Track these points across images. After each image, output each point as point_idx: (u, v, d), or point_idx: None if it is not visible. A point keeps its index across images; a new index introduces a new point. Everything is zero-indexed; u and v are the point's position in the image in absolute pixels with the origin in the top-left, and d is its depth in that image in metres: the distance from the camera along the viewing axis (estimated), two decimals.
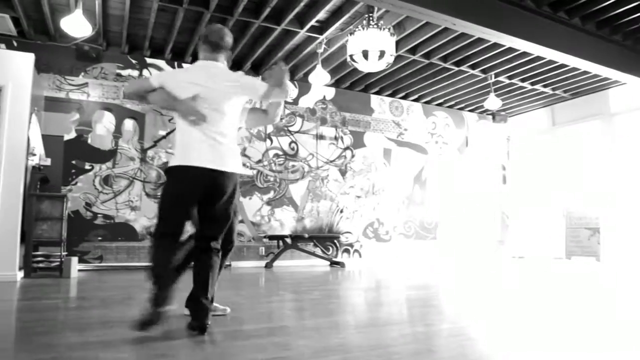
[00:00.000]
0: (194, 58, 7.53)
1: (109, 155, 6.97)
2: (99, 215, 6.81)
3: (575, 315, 3.19)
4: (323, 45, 6.88)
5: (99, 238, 6.77)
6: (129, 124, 7.14)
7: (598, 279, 5.73)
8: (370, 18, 5.32)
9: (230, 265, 7.45)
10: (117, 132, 7.05)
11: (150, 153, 7.23)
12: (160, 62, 7.43)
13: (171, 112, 2.76)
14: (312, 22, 6.22)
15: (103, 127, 6.97)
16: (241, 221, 7.73)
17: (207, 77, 2.66)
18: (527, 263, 8.45)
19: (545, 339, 2.45)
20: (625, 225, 8.37)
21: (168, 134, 7.34)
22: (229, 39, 2.87)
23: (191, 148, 2.60)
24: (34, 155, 5.67)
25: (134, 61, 7.26)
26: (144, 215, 7.07)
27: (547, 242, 9.57)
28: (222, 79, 2.71)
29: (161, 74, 3.03)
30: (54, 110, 6.67)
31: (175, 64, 7.52)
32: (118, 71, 7.14)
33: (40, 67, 6.40)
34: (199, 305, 2.56)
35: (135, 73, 7.24)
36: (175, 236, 2.68)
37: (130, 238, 6.97)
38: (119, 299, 3.87)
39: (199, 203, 2.68)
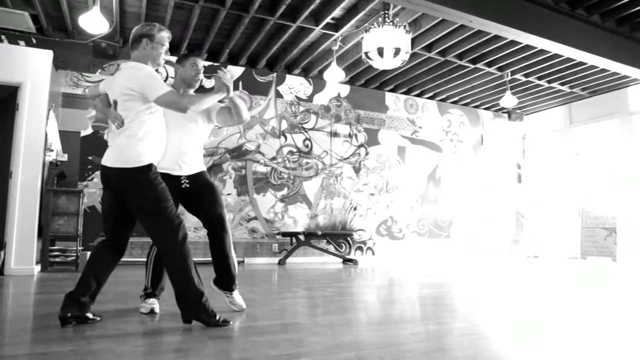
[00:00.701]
0: (210, 54, 7.58)
1: None
2: None
3: (588, 314, 3.15)
4: (338, 43, 6.87)
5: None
6: None
7: (613, 279, 5.65)
8: (386, 15, 5.30)
9: (243, 261, 7.49)
10: None
11: None
12: (175, 59, 7.47)
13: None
14: (328, 20, 6.22)
15: None
16: (254, 218, 7.76)
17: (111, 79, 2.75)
18: (542, 263, 8.36)
19: (558, 338, 2.43)
20: None
21: None
22: (134, 31, 2.81)
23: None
24: (52, 150, 5.76)
25: None
26: None
27: (563, 241, 9.45)
28: (121, 76, 2.69)
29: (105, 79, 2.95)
30: (71, 107, 6.76)
31: None
32: None
33: (58, 64, 6.49)
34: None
35: None
36: None
37: (144, 234, 7.01)
38: (134, 294, 3.91)
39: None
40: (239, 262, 7.38)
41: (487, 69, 7.86)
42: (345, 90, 8.72)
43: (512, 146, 10.45)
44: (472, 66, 7.74)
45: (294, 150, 8.19)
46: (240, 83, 7.88)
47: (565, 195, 9.59)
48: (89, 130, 6.85)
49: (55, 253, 5.79)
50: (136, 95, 2.56)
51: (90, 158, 6.81)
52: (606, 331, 2.66)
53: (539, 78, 8.35)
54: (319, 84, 8.48)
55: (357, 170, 8.66)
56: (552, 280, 5.57)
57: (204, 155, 7.48)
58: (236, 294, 3.19)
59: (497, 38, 6.58)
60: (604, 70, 7.47)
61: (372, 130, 8.91)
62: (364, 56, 5.44)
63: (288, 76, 8.27)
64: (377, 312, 3.09)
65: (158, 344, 2.19)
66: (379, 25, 5.19)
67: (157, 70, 2.77)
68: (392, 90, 9.18)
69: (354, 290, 3.29)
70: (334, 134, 8.55)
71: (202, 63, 3.16)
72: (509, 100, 8.35)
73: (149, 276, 3.13)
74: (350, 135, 8.68)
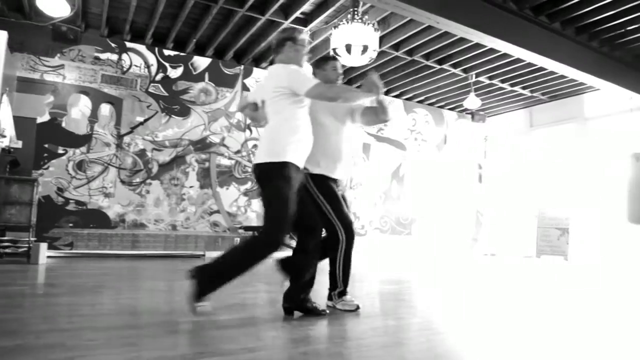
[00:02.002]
0: (176, 44, 7.43)
1: (84, 140, 6.83)
2: (71, 201, 6.68)
3: (539, 311, 3.26)
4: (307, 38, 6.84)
5: (70, 224, 6.64)
6: (105, 109, 7.00)
7: (564, 276, 5.86)
8: (355, 12, 5.31)
9: (204, 255, 7.40)
10: (93, 117, 6.91)
11: (126, 139, 7.11)
12: (141, 47, 7.30)
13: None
14: (297, 14, 6.19)
15: (78, 111, 6.82)
16: (217, 211, 7.68)
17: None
18: (498, 261, 8.60)
19: (511, 334, 2.50)
20: (592, 226, 8.60)
21: (146, 120, 7.23)
22: (278, 36, 2.94)
23: None
24: (4, 137, 5.51)
25: (113, 45, 7.12)
26: (117, 203, 6.96)
27: (519, 240, 9.76)
28: (270, 76, 2.81)
29: None
30: (27, 92, 6.50)
31: (156, 49, 7.39)
32: (96, 54, 6.99)
33: (14, 46, 6.22)
34: None
35: (114, 57, 7.09)
36: None
37: (103, 225, 6.86)
38: (89, 287, 3.81)
39: None
40: (198, 256, 7.31)
41: (453, 70, 8.01)
42: None
43: (474, 147, 10.69)
44: (438, 67, 7.87)
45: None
46: (207, 74, 7.76)
47: (523, 196, 9.89)
48: (46, 117, 6.61)
49: (6, 244, 5.57)
50: (284, 90, 2.64)
51: (46, 146, 6.57)
52: (554, 325, 2.76)
53: (502, 81, 8.57)
54: None
55: None
56: (506, 278, 5.74)
57: (168, 147, 7.38)
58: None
59: (463, 40, 6.70)
60: (563, 76, 7.73)
61: None
62: (332, 52, 5.43)
63: (255, 69, 8.19)
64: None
65: (114, 338, 2.14)
66: (347, 22, 5.20)
67: None
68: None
69: (315, 285, 3.30)
70: None
71: (341, 66, 3.20)
72: (472, 101, 8.53)
73: (339, 275, 2.98)
74: None
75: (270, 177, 2.63)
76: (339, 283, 2.99)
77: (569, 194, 9.02)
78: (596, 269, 7.20)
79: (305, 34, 2.96)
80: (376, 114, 3.10)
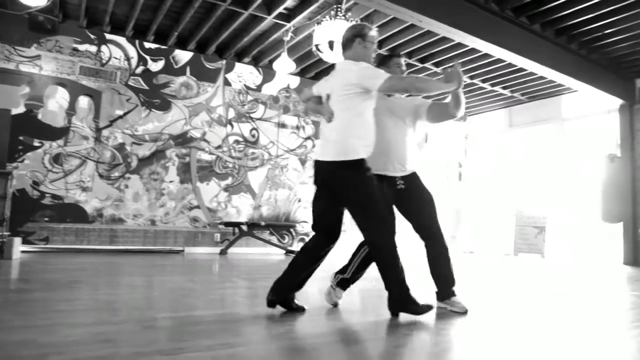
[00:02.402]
0: (157, 36, 7.33)
1: (61, 133, 6.70)
2: (47, 194, 6.55)
3: (515, 307, 3.32)
4: (290, 33, 6.82)
5: (46, 219, 6.51)
6: (83, 102, 6.88)
7: (541, 274, 5.97)
8: (339, 9, 5.30)
9: (183, 250, 7.33)
10: (71, 109, 6.78)
11: (105, 133, 6.99)
12: (121, 40, 7.18)
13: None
14: (280, 9, 6.16)
15: (55, 103, 6.69)
16: (197, 207, 7.62)
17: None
18: (477, 258, 8.71)
19: (488, 329, 2.54)
20: (569, 224, 8.77)
21: (125, 113, 7.13)
22: (345, 34, 2.91)
23: None
24: None
25: (92, 36, 6.99)
26: (95, 197, 6.85)
27: (497, 238, 9.90)
28: (338, 73, 2.80)
29: None
30: (2, 82, 6.35)
31: (137, 42, 7.28)
32: (75, 45, 6.85)
33: None
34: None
35: (93, 49, 6.96)
36: None
37: (80, 220, 6.74)
38: (64, 282, 3.74)
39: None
40: (178, 252, 7.24)
41: (435, 69, 8.06)
42: (295, 81, 8.68)
43: (454, 145, 10.80)
44: (420, 65, 7.92)
45: (240, 139, 8.09)
46: (188, 68, 7.68)
47: (502, 195, 10.03)
48: (22, 109, 6.46)
49: None
50: (355, 87, 2.62)
51: (21, 138, 6.43)
52: (530, 322, 2.81)
53: (483, 81, 8.66)
54: (268, 74, 8.40)
55: (303, 162, 8.66)
56: (483, 276, 5.82)
57: (148, 141, 7.28)
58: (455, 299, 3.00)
59: (445, 40, 6.75)
60: (542, 77, 7.85)
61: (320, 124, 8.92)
62: (314, 48, 5.43)
63: (237, 64, 8.14)
64: (316, 303, 3.11)
65: (90, 334, 2.10)
66: (331, 19, 5.20)
67: None
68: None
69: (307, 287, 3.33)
70: (282, 125, 8.51)
71: (405, 63, 3.17)
72: None
73: (354, 265, 3.09)
74: (297, 127, 8.67)
75: (347, 177, 2.63)
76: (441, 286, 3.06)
77: (547, 193, 9.19)
78: (571, 266, 7.34)
79: (374, 31, 2.90)
80: (446, 109, 2.96)
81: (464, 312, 2.86)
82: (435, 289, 3.08)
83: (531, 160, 9.67)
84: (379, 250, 2.71)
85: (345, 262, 3.12)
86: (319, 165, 2.80)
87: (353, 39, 2.82)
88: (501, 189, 10.09)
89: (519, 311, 3.26)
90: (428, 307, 2.66)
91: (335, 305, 3.02)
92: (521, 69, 7.55)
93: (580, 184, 8.67)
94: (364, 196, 2.63)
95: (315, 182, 2.89)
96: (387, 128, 2.94)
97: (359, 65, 2.70)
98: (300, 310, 2.75)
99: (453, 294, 2.99)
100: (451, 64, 2.79)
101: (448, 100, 2.93)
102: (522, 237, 9.35)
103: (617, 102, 8.03)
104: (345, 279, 3.06)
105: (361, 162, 2.63)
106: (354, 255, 3.13)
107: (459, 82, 2.65)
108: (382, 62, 3.13)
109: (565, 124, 9.11)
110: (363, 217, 2.68)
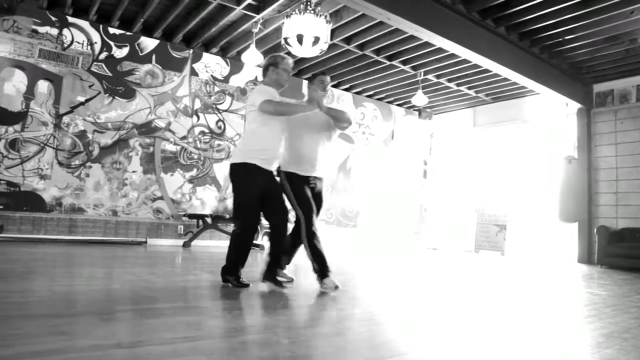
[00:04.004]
0: (122, 23, 7.14)
1: (18, 118, 6.45)
2: (2, 182, 6.31)
3: (473, 302, 3.42)
4: (259, 25, 6.76)
5: (1, 207, 6.27)
6: (43, 86, 6.64)
7: (501, 271, 6.16)
8: (308, 3, 5.29)
9: (146, 242, 7.20)
10: (29, 94, 6.53)
11: (66, 119, 6.78)
12: (84, 23, 6.96)
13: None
14: (249, 0, 6.10)
15: (12, 87, 6.43)
16: (160, 198, 7.49)
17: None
18: (440, 255, 8.90)
19: (447, 323, 2.61)
20: (527, 223, 9.07)
21: (87, 100, 6.92)
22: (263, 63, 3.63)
23: None
24: None
25: (53, 18, 6.74)
26: (54, 185, 6.64)
27: (460, 235, 10.14)
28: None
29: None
30: None
31: (101, 27, 7.07)
32: (34, 27, 6.60)
33: None
34: None
35: (54, 31, 6.72)
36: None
37: (37, 208, 6.53)
38: (18, 273, 3.62)
39: None
40: (140, 243, 7.11)
41: (402, 67, 8.16)
42: None
43: (420, 143, 10.97)
44: (388, 62, 7.99)
45: (206, 130, 7.98)
46: (154, 56, 7.51)
47: (464, 193, 10.27)
48: None
49: None
50: (249, 106, 3.37)
51: None
52: (486, 315, 2.90)
53: (449, 80, 8.82)
54: (236, 66, 8.31)
55: None
56: (446, 271, 5.96)
57: (110, 130, 7.10)
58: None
59: (413, 38, 6.84)
60: (506, 79, 8.06)
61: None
62: (283, 42, 5.40)
63: (205, 54, 8.02)
64: (279, 297, 3.12)
65: (44, 327, 2.04)
66: (300, 12, 5.17)
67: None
68: (309, 79, 9.21)
69: (258, 275, 3.31)
70: None
71: (329, 82, 3.88)
72: (420, 98, 8.73)
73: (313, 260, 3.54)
74: None
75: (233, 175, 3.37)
76: (313, 265, 3.52)
77: (508, 192, 9.46)
78: (529, 264, 7.59)
79: (287, 60, 3.57)
80: (338, 124, 3.65)
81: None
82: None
83: (494, 159, 9.93)
84: (242, 233, 3.44)
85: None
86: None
87: (268, 67, 3.50)
88: (464, 187, 10.32)
89: (476, 308, 3.35)
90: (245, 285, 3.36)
91: (291, 280, 3.75)
92: (486, 70, 7.73)
93: (540, 184, 8.97)
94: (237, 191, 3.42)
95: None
96: (302, 138, 3.58)
97: (258, 89, 3.41)
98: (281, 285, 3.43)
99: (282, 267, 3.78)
100: (314, 89, 3.58)
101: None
102: (483, 234, 9.60)
103: (575, 105, 8.33)
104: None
105: (246, 164, 3.29)
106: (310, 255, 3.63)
107: (318, 105, 3.34)
108: (309, 79, 3.85)
109: (528, 125, 9.39)
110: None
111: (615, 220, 7.85)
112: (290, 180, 3.55)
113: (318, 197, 3.72)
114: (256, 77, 8.53)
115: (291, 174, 3.55)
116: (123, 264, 4.70)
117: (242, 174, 3.31)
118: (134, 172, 7.27)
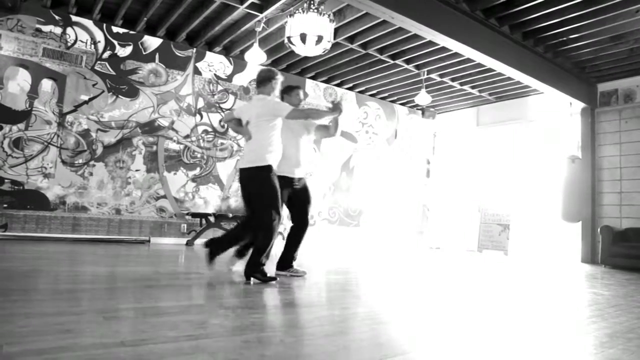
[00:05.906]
0: (126, 21, 7.16)
1: (22, 116, 6.47)
2: (6, 180, 6.33)
3: (479, 302, 3.41)
4: (262, 24, 6.76)
5: (5, 205, 6.29)
6: (47, 85, 6.65)
7: (504, 270, 6.15)
8: (312, 2, 5.28)
9: (149, 240, 7.22)
10: (33, 92, 6.55)
11: (69, 118, 6.79)
12: (87, 22, 6.97)
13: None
14: None
15: (16, 85, 6.45)
16: (164, 196, 7.51)
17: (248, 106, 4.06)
18: (443, 254, 8.89)
19: (451, 323, 2.60)
20: (531, 223, 9.04)
21: (91, 99, 6.94)
22: (262, 74, 3.98)
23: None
24: None
25: (57, 17, 6.76)
26: (58, 184, 6.66)
27: (463, 235, 10.12)
28: (255, 105, 3.87)
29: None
30: None
31: (104, 26, 7.08)
32: (38, 26, 6.62)
33: None
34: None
35: (58, 30, 6.74)
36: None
37: (41, 207, 6.55)
38: (22, 271, 3.63)
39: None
40: (143, 241, 7.12)
41: (406, 66, 8.15)
42: None
43: (423, 142, 10.95)
44: (392, 62, 7.98)
45: (210, 129, 7.99)
46: (157, 55, 7.52)
47: (468, 192, 10.25)
48: None
49: None
50: (266, 116, 3.69)
51: None
52: (490, 315, 2.89)
53: (452, 79, 8.80)
54: (239, 65, 8.31)
55: None
56: (449, 271, 5.95)
57: (114, 128, 7.12)
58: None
59: (416, 37, 6.82)
60: (509, 78, 8.03)
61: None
62: (286, 41, 5.40)
63: (208, 53, 8.02)
64: (282, 296, 3.12)
65: (48, 324, 2.05)
66: (303, 11, 5.17)
67: None
68: (312, 78, 9.22)
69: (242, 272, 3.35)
70: None
71: (303, 94, 4.35)
72: (423, 97, 8.72)
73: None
74: None
75: (253, 178, 3.71)
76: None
77: (511, 191, 9.43)
78: (532, 264, 7.57)
79: (282, 76, 4.00)
80: (327, 130, 4.18)
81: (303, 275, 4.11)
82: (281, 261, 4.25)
83: (497, 159, 9.91)
84: (264, 227, 3.66)
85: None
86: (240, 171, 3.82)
87: (269, 80, 3.89)
88: (467, 186, 10.30)
89: (480, 307, 3.35)
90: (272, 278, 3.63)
91: (304, 274, 4.17)
92: (490, 69, 7.71)
93: (544, 183, 8.94)
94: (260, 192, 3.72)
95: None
96: (289, 141, 3.95)
97: (271, 99, 3.82)
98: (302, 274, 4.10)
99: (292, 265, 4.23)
100: (338, 100, 3.96)
101: (328, 123, 4.14)
102: (486, 234, 9.58)
103: (579, 105, 8.30)
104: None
105: (267, 167, 3.66)
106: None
107: (340, 112, 3.91)
108: (285, 90, 4.13)
109: (532, 125, 9.37)
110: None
111: (619, 220, 7.82)
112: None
113: (304, 192, 4.14)
114: None
115: (278, 176, 3.83)
116: (126, 263, 4.71)
117: (269, 172, 3.67)
118: (137, 170, 7.28)
